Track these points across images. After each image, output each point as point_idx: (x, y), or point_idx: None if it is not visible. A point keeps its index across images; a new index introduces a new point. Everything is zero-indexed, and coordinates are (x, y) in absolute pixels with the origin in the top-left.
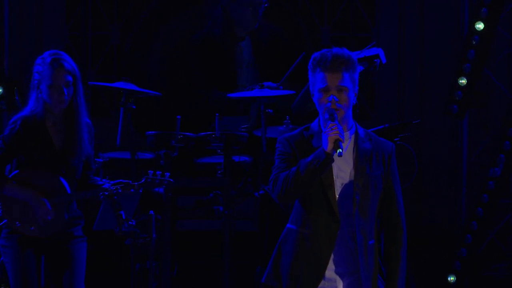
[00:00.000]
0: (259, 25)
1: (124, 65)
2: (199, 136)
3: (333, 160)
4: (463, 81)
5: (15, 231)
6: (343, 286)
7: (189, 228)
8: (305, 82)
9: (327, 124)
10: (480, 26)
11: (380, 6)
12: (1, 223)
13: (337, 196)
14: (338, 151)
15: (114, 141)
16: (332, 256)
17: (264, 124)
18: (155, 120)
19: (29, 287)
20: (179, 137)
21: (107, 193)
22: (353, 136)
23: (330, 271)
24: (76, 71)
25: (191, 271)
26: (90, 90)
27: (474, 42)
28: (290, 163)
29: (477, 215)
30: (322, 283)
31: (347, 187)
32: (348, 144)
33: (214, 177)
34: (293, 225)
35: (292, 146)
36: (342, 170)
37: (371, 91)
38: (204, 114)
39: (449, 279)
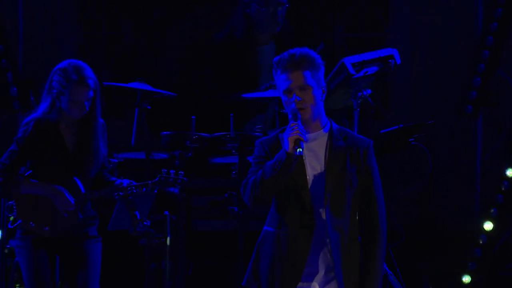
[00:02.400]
0: (283, 29)
1: (138, 64)
2: (213, 137)
3: (296, 160)
4: (477, 81)
5: (29, 231)
6: (320, 285)
7: (204, 228)
8: None
9: (289, 124)
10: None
11: (394, 6)
12: (16, 224)
13: (311, 195)
14: (298, 150)
15: (129, 142)
16: (309, 255)
17: (279, 125)
18: (170, 120)
19: (43, 287)
20: (194, 137)
21: (122, 193)
22: (327, 134)
23: (306, 270)
24: (98, 85)
25: (205, 271)
26: (104, 91)
27: (488, 42)
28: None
29: (491, 216)
30: (299, 283)
31: (320, 186)
32: (321, 142)
33: (228, 177)
34: (270, 227)
35: (266, 149)
36: (315, 169)
37: (385, 92)
38: (219, 113)
39: (463, 279)
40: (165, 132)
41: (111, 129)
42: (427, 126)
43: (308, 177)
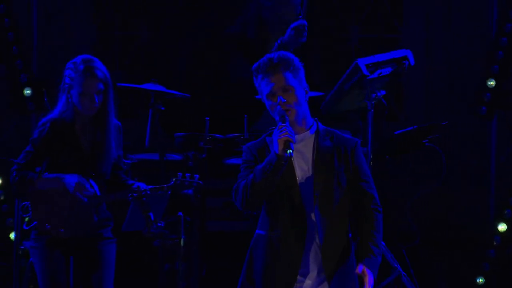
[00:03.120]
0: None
1: (152, 65)
2: (227, 138)
3: (286, 162)
4: (491, 82)
5: (44, 232)
6: (313, 286)
7: (218, 229)
8: (334, 83)
9: (277, 126)
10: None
11: (408, 7)
12: (31, 225)
13: (301, 196)
14: (288, 151)
15: (143, 143)
16: (302, 256)
17: None
18: (183, 121)
19: None
20: (208, 138)
21: (136, 195)
22: (313, 135)
23: (300, 271)
24: (108, 79)
25: (219, 272)
26: (117, 91)
27: (502, 43)
28: (252, 170)
29: (505, 217)
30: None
31: (309, 186)
32: (308, 143)
33: None
34: (262, 230)
35: (254, 153)
36: (303, 170)
37: (399, 93)
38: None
39: (477, 280)
40: (178, 133)
41: (125, 130)
42: (441, 127)
43: (297, 178)
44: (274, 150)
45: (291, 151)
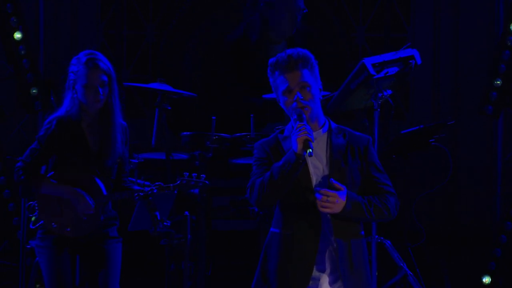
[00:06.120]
0: (296, 30)
1: (158, 65)
2: (233, 137)
3: (304, 161)
4: (498, 82)
5: (50, 231)
6: (328, 284)
7: (224, 228)
8: (340, 82)
9: (296, 124)
10: None
11: (416, 6)
12: (38, 224)
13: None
14: (308, 151)
15: (149, 142)
16: (317, 254)
17: None
18: (190, 120)
19: (64, 287)
20: (214, 138)
21: (142, 194)
22: (326, 133)
23: (314, 269)
24: (111, 71)
25: (226, 271)
26: (124, 91)
27: (509, 43)
28: (266, 168)
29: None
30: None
31: (323, 184)
32: (321, 141)
33: (248, 178)
34: (276, 228)
35: (267, 150)
36: (318, 168)
37: (406, 92)
38: (239, 114)
39: (484, 280)
40: (185, 133)
41: (131, 130)
42: (448, 127)
43: (311, 176)
44: (292, 149)
45: (310, 150)
